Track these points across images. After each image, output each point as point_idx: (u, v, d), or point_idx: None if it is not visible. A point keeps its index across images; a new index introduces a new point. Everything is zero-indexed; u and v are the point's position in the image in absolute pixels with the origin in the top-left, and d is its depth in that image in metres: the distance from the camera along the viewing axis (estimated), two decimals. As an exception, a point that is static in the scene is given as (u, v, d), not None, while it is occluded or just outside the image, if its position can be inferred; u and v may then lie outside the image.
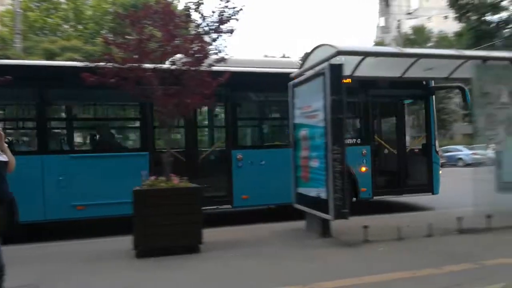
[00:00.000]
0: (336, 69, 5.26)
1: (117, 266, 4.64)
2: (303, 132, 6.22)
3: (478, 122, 6.11)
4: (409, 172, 8.57)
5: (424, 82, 8.58)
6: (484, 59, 6.27)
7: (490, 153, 6.71)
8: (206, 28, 5.29)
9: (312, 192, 5.91)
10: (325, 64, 5.36)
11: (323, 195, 5.49)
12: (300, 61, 7.85)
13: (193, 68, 5.10)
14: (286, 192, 6.69)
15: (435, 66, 7.17)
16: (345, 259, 4.70)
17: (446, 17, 41.78)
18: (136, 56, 4.98)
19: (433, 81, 8.65)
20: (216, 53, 5.46)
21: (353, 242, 5.39)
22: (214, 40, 5.33)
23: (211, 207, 7.02)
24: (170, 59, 5.12)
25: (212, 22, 5.25)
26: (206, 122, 9.15)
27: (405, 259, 4.58)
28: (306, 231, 6.23)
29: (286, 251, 5.14)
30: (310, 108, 5.90)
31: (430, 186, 8.43)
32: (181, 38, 5.03)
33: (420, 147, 8.88)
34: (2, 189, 3.45)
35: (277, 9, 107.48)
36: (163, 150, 6.83)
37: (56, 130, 7.67)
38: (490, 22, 29.83)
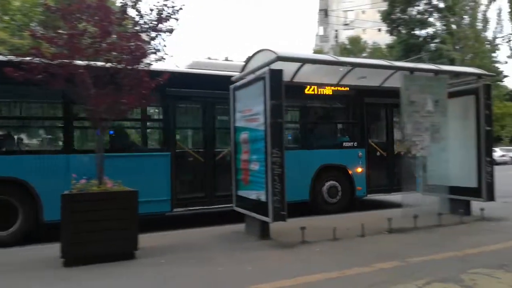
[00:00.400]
0: (276, 74, 5.35)
1: (40, 276, 4.31)
2: (243, 135, 6.24)
3: (406, 129, 6.53)
4: (396, 173, 9.18)
5: None
6: (412, 70, 6.73)
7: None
8: (145, 26, 5.11)
9: (252, 195, 5.95)
10: (266, 69, 5.44)
11: (262, 198, 5.55)
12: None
13: (129, 67, 4.91)
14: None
15: (368, 75, 7.59)
16: (282, 261, 4.76)
17: (379, 30, 44.47)
18: (67, 52, 4.68)
19: None
20: (154, 53, 5.30)
21: (291, 243, 5.49)
22: (153, 39, 5.18)
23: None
24: (105, 57, 4.87)
25: (150, 20, 5.09)
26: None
27: (339, 259, 4.74)
28: (245, 233, 6.25)
29: (223, 254, 5.10)
30: (251, 111, 5.94)
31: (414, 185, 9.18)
32: (117, 35, 4.81)
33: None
34: None
35: (219, 13, 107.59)
36: (186, 151, 7.65)
37: (83, 130, 7.59)
38: (418, 36, 32.22)
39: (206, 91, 7.63)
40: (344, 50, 41.32)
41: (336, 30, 38.15)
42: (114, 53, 4.82)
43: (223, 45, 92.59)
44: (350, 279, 3.97)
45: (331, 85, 8.08)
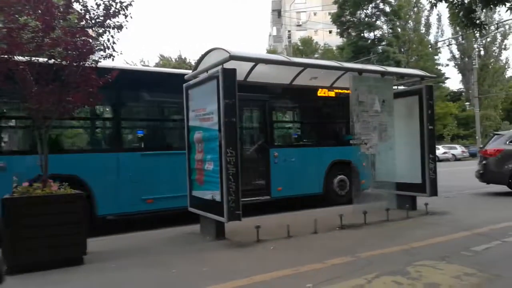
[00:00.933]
0: (230, 73, 5.33)
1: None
2: (197, 135, 6.16)
3: (355, 128, 6.75)
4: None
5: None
6: (360, 71, 6.97)
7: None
8: (92, 22, 4.88)
9: (207, 195, 5.89)
10: (219, 68, 5.39)
11: (217, 197, 5.51)
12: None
13: (75, 64, 4.67)
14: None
15: (319, 76, 7.77)
16: (238, 260, 4.75)
17: (330, 32, 45.75)
18: (5, 46, 4.37)
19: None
20: (103, 49, 5.08)
21: (246, 242, 5.50)
22: (100, 35, 4.96)
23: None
24: (48, 52, 4.59)
25: (97, 15, 4.87)
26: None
27: (293, 256, 4.81)
28: (200, 234, 6.17)
29: (177, 256, 5.00)
30: (205, 110, 5.88)
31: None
32: (62, 30, 4.55)
33: None
34: None
35: (173, 11, 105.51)
36: None
37: (131, 130, 8.07)
38: (367, 39, 33.55)
39: None
40: (297, 50, 42.07)
41: (289, 31, 38.76)
42: (59, 49, 4.56)
43: (176, 43, 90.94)
44: (304, 276, 4.04)
45: (284, 85, 8.17)
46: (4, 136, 6.60)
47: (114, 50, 5.01)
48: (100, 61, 5.08)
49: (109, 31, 4.94)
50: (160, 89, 7.68)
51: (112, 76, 5.14)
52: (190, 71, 6.92)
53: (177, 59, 35.78)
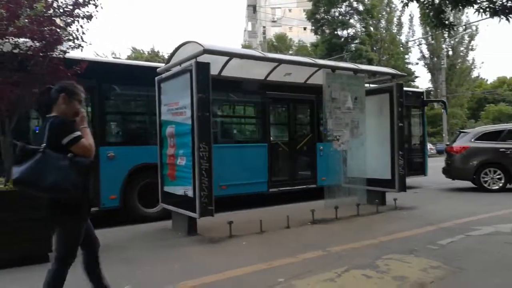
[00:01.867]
0: (203, 67, 5.26)
1: None
2: (170, 129, 6.06)
3: (328, 124, 6.84)
4: (412, 160, 11.14)
5: (421, 96, 12.39)
6: (333, 68, 7.05)
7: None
8: (60, 11, 4.70)
9: (179, 190, 5.81)
10: (192, 61, 5.31)
11: (190, 193, 5.45)
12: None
13: (41, 54, 4.49)
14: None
15: (293, 72, 7.80)
16: (210, 256, 4.73)
17: (305, 29, 46.07)
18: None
19: (424, 95, 12.90)
20: (72, 40, 4.91)
21: (218, 238, 5.48)
22: (69, 25, 4.78)
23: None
24: (12, 41, 4.39)
25: (65, 4, 4.69)
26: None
27: (266, 251, 4.83)
28: (172, 230, 6.10)
29: (148, 252, 4.92)
30: (177, 105, 5.79)
31: (422, 170, 11.71)
32: (28, 18, 4.36)
33: (419, 143, 12.09)
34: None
35: (146, 3, 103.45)
36: (277, 142, 9.40)
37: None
38: (340, 37, 33.97)
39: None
40: (272, 46, 42.13)
41: (264, 27, 38.71)
42: (25, 39, 4.36)
43: (149, 36, 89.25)
44: (276, 270, 4.06)
45: (258, 81, 8.17)
46: (112, 129, 7.62)
47: (83, 41, 4.85)
48: (68, 52, 4.91)
49: (78, 21, 4.77)
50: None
51: (82, 68, 4.98)
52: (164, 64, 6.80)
53: (150, 52, 35.08)
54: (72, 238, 2.93)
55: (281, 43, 44.64)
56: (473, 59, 42.64)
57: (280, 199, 9.00)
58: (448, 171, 10.57)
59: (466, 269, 3.98)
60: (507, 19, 5.27)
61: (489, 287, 3.49)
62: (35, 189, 2.73)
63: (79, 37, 4.87)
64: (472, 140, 10.22)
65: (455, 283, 3.60)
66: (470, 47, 41.36)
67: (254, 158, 8.63)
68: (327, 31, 34.05)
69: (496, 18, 5.25)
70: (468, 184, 10.35)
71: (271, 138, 9.38)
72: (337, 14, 33.75)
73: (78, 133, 2.80)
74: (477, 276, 3.79)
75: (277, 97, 9.31)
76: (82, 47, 4.95)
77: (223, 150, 7.95)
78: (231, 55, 6.28)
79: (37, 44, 4.46)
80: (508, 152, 9.66)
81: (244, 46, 47.48)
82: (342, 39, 33.68)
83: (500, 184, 9.66)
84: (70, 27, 4.86)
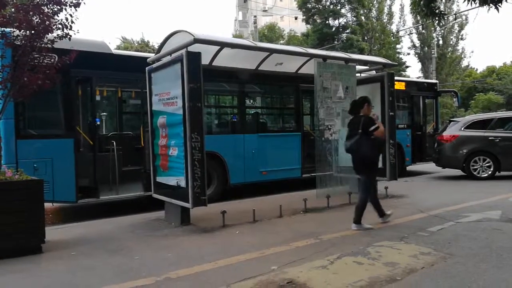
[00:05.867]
0: (194, 57, 5.22)
1: None
2: (161, 120, 6.03)
3: (320, 114, 6.85)
4: (426, 147, 12.20)
5: (435, 87, 13.09)
6: (325, 58, 7.04)
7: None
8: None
9: (171, 181, 5.81)
10: (183, 51, 5.26)
11: (182, 183, 5.45)
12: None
13: (29, 43, 4.41)
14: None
15: (285, 62, 7.78)
16: (203, 245, 4.75)
17: (296, 18, 45.81)
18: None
19: (437, 85, 13.61)
20: (60, 28, 4.82)
21: (212, 228, 5.50)
22: (56, 13, 4.69)
23: None
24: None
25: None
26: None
27: (259, 240, 4.86)
28: (165, 221, 6.10)
29: (141, 242, 4.93)
30: (168, 95, 5.75)
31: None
32: (14, 7, 4.27)
33: (432, 131, 12.72)
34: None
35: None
36: (309, 131, 9.83)
37: (252, 117, 9.56)
38: (332, 26, 33.84)
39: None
40: (262, 36, 41.86)
41: (255, 16, 38.42)
42: (11, 28, 4.28)
43: (138, 25, 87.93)
44: (269, 258, 4.10)
45: (250, 70, 8.14)
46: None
47: (71, 29, 4.76)
48: (57, 41, 4.82)
49: (65, 9, 4.68)
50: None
51: (71, 58, 4.90)
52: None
53: (140, 42, 34.62)
54: (369, 181, 5.37)
55: (272, 33, 44.38)
56: (463, 49, 42.93)
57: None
58: (438, 160, 10.70)
59: (455, 255, 4.05)
60: (496, 8, 5.30)
61: (477, 272, 3.56)
62: (354, 154, 5.26)
63: (68, 26, 4.78)
64: (462, 129, 10.33)
65: (445, 269, 3.67)
66: (460, 36, 41.54)
67: (289, 146, 9.21)
68: (318, 20, 33.86)
69: (485, 7, 5.29)
70: (458, 172, 10.49)
71: (304, 128, 9.89)
72: (328, 3, 33.57)
73: (377, 124, 5.22)
74: (467, 261, 3.86)
75: (305, 89, 9.46)
76: (71, 36, 4.87)
77: (263, 139, 8.82)
78: (222, 44, 6.24)
79: (25, 33, 4.37)
80: (497, 140, 9.79)
81: (235, 36, 47.09)
82: (333, 29, 33.55)
83: (489, 172, 9.80)
84: (58, 16, 4.77)
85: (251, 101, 10.41)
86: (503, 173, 9.86)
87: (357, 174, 5.54)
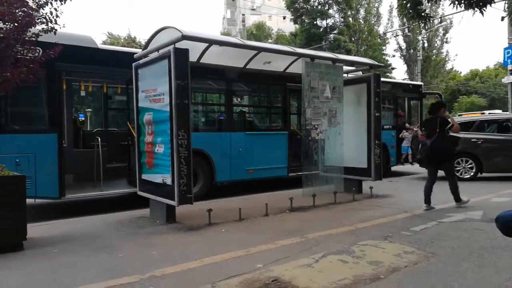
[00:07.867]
0: (182, 54, 5.18)
1: None
2: (147, 117, 5.96)
3: (307, 113, 6.88)
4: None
5: (420, 89, 13.34)
6: (312, 57, 7.07)
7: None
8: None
9: (157, 178, 5.76)
10: (171, 47, 5.22)
11: (168, 181, 5.40)
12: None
13: (13, 36, 4.31)
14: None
15: (272, 61, 7.79)
16: (188, 243, 4.72)
17: (284, 18, 45.92)
18: None
19: (422, 87, 13.81)
20: (45, 22, 4.72)
21: (197, 226, 5.48)
22: (41, 6, 4.59)
23: None
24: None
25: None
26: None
27: (244, 238, 4.86)
28: (150, 218, 6.05)
29: (125, 240, 4.88)
30: (155, 91, 5.69)
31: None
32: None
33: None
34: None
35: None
36: (296, 130, 9.94)
37: (239, 116, 9.52)
38: (319, 27, 34.03)
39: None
40: (251, 34, 41.82)
41: (243, 14, 38.33)
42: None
43: (125, 21, 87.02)
44: (255, 257, 4.10)
45: (237, 68, 8.12)
46: None
47: (56, 23, 4.67)
48: (41, 35, 4.73)
49: (51, 2, 4.59)
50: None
51: (55, 52, 4.81)
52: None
53: (126, 38, 34.24)
54: (452, 168, 6.90)
55: (260, 32, 44.38)
56: (447, 52, 43.68)
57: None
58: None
59: (438, 254, 4.12)
60: (481, 12, 5.41)
61: (459, 271, 3.63)
62: (435, 149, 6.35)
63: (53, 20, 4.69)
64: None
65: (428, 267, 3.73)
66: (444, 39, 42.29)
67: (276, 145, 9.27)
68: (307, 20, 34.00)
69: (470, 11, 5.39)
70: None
71: (292, 127, 9.98)
72: (316, 3, 33.72)
73: (452, 123, 6.35)
74: (449, 260, 3.93)
75: (292, 88, 9.51)
76: (56, 30, 4.78)
77: (250, 138, 8.84)
78: (210, 41, 6.20)
79: (9, 26, 4.27)
80: (479, 142, 9.98)
81: (223, 34, 46.93)
82: (321, 29, 33.72)
83: (472, 173, 9.99)
84: (43, 9, 4.67)
85: (239, 99, 10.44)
86: (484, 174, 10.05)
87: (430, 166, 6.75)
